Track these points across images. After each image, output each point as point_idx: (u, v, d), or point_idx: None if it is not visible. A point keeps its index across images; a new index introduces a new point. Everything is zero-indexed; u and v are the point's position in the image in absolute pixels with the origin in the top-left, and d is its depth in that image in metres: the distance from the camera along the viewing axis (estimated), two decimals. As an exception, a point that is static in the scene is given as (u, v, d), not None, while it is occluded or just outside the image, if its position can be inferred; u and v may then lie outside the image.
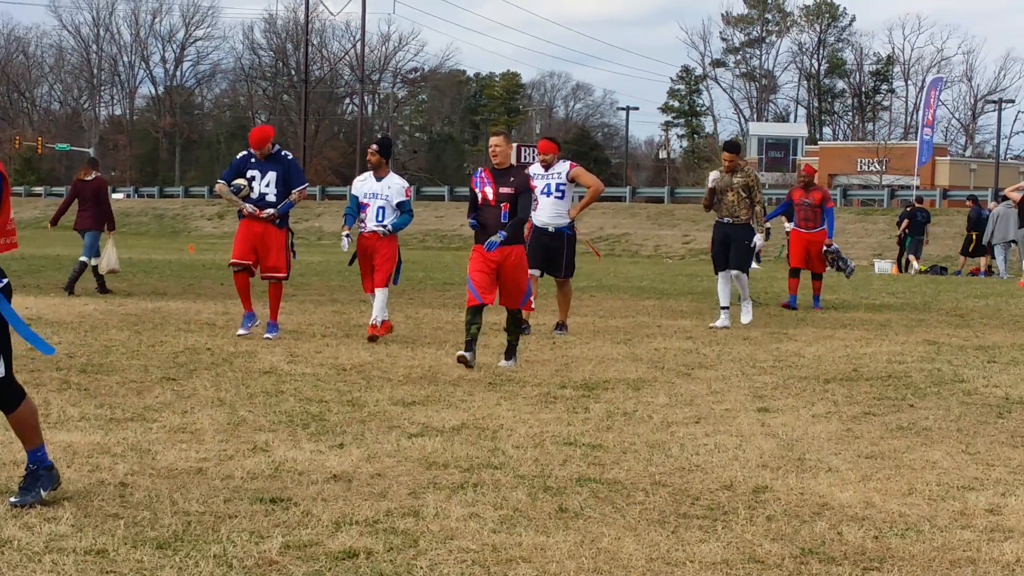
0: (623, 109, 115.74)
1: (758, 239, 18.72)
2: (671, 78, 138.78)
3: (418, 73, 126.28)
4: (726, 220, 18.62)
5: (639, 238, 55.87)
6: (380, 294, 15.83)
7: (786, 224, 25.08)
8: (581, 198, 18.01)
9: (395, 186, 15.94)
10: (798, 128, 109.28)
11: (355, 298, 22.69)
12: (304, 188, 15.81)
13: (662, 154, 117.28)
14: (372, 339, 15.51)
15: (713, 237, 19.04)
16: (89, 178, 22.94)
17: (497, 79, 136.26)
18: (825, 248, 22.65)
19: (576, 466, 8.51)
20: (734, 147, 19.10)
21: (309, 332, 16.45)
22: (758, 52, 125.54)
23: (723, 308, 18.55)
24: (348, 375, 12.68)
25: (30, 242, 49.67)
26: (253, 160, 15.70)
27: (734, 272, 18.58)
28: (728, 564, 6.34)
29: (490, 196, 13.43)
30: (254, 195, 15.60)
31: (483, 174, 13.59)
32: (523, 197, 13.46)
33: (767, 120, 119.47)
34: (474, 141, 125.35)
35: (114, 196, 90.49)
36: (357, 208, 16.06)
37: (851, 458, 8.95)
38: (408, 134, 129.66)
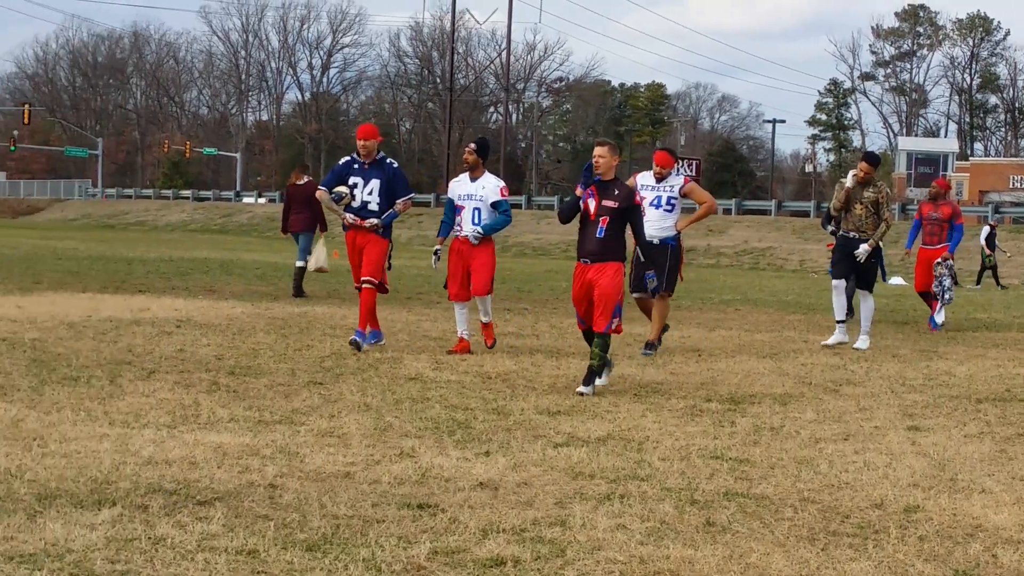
0: (769, 122, 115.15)
1: (862, 249, 17.44)
2: (819, 91, 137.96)
3: (563, 82, 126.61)
4: (851, 235, 17.65)
5: (784, 252, 55.42)
6: (482, 303, 15.42)
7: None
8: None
9: (490, 186, 15.26)
10: (948, 143, 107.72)
11: (500, 307, 22.75)
12: (410, 199, 15.17)
13: (808, 168, 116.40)
14: (491, 345, 15.44)
15: (837, 244, 18.10)
16: (301, 182, 24.11)
17: (642, 89, 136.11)
18: (939, 260, 21.12)
19: (723, 480, 8.43)
20: (874, 159, 18.18)
21: (454, 340, 16.48)
22: (908, 66, 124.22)
23: (839, 322, 17.80)
24: (493, 383, 12.70)
25: (178, 245, 50.50)
26: (356, 166, 15.07)
27: (861, 293, 17.72)
28: (880, 584, 6.24)
29: (591, 208, 12.59)
30: (356, 203, 14.96)
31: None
32: (632, 214, 12.71)
33: (916, 135, 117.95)
34: (618, 152, 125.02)
35: (259, 201, 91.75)
36: (453, 214, 15.38)
37: (1005, 480, 8.77)
38: (552, 143, 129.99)
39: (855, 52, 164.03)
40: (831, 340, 17.60)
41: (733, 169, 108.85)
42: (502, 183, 15.46)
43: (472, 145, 15.55)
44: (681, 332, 18.56)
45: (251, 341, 15.29)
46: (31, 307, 18.50)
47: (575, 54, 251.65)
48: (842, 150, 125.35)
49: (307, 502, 7.35)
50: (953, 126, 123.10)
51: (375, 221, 14.93)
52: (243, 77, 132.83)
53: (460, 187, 15.36)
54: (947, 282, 21.15)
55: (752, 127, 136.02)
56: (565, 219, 12.91)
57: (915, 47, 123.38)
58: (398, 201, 15.03)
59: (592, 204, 12.60)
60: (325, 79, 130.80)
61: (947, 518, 7.58)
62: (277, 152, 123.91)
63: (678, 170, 16.54)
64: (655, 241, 15.52)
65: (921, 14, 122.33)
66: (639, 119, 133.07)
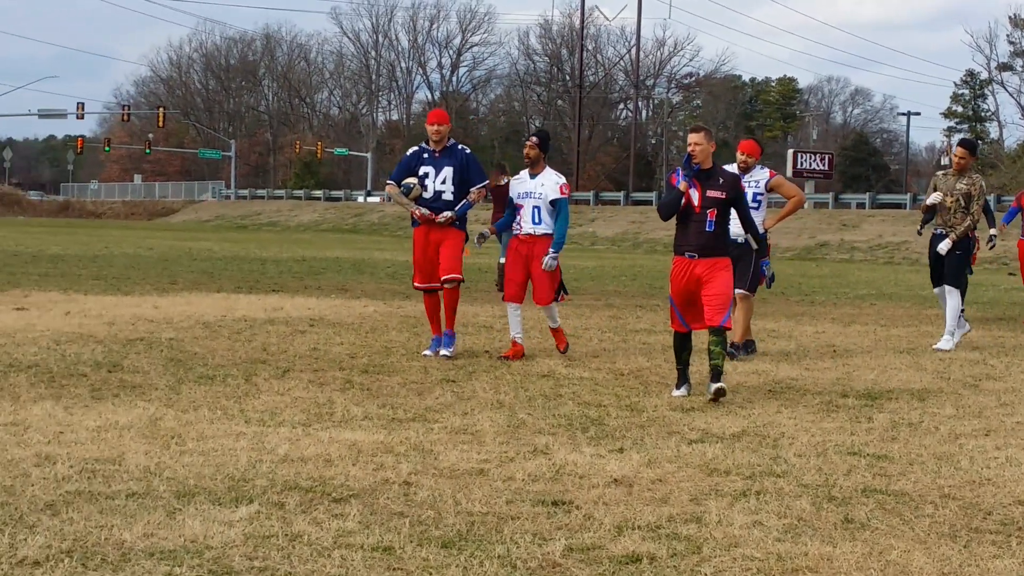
0: (903, 114, 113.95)
1: (944, 244, 16.16)
2: (955, 82, 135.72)
3: (693, 78, 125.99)
4: (939, 231, 16.33)
5: (919, 246, 54.56)
6: (547, 311, 14.46)
7: (992, 231, 20.84)
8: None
9: (549, 183, 14.21)
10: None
11: (631, 303, 22.68)
12: (484, 186, 14.18)
13: (944, 160, 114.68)
14: (564, 350, 14.46)
15: (929, 248, 16.61)
16: (501, 183, 24.36)
17: (773, 84, 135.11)
18: None
19: (861, 476, 8.31)
20: (971, 145, 16.49)
21: (586, 336, 16.47)
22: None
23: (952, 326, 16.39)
24: (626, 380, 12.65)
25: (310, 245, 50.98)
26: (426, 156, 14.18)
27: (947, 288, 16.28)
28: (1025, 582, 6.11)
29: (695, 200, 11.75)
30: (427, 194, 14.04)
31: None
32: (740, 202, 11.98)
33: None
34: (714, 137, 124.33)
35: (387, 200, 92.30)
36: (513, 212, 14.37)
37: None
38: (682, 140, 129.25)
39: (992, 42, 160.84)
40: (941, 343, 16.23)
41: (867, 163, 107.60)
42: (563, 179, 14.43)
43: (534, 138, 14.55)
44: (816, 327, 18.36)
45: (384, 339, 15.37)
46: (167, 307, 18.75)
47: (705, 49, 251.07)
48: (979, 142, 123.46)
49: (441, 499, 7.35)
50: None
51: (449, 214, 14.03)
52: (373, 77, 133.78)
53: (519, 185, 14.39)
54: None
55: (886, 120, 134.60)
56: (667, 216, 12.04)
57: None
58: (472, 189, 14.14)
59: (695, 196, 11.75)
60: (455, 78, 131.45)
61: (1093, 515, 7.41)
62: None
63: (761, 164, 15.53)
64: (739, 240, 14.17)
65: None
66: (770, 114, 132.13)
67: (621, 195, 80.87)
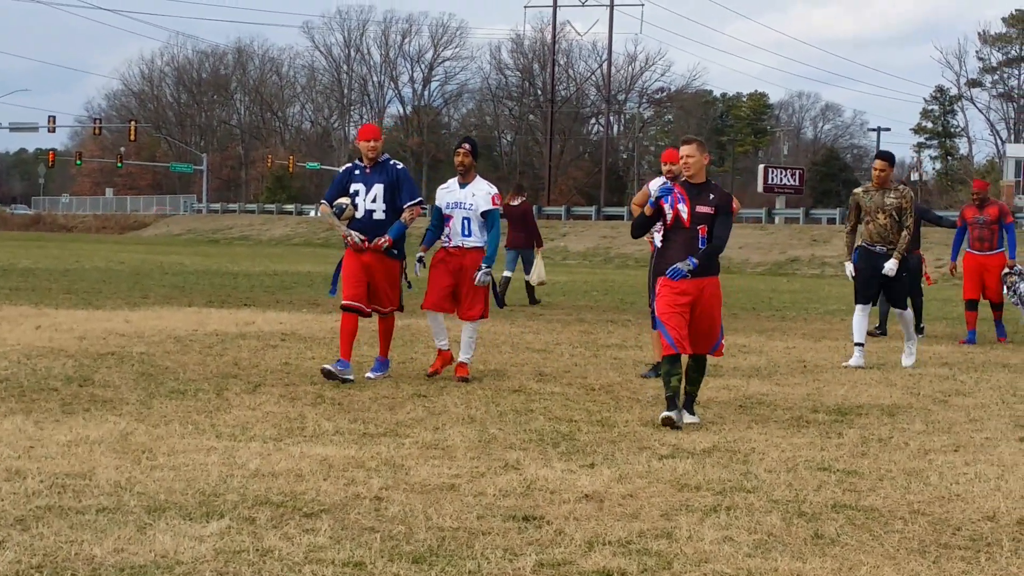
0: (874, 130, 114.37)
1: (891, 265, 15.52)
2: (924, 98, 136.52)
3: (664, 93, 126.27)
4: (877, 248, 15.68)
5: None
6: (468, 329, 13.63)
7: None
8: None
9: (480, 193, 13.51)
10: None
11: (603, 319, 22.71)
12: (417, 204, 13.30)
13: (914, 176, 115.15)
14: (463, 379, 13.29)
15: (858, 264, 15.96)
16: (515, 203, 25.17)
17: (744, 99, 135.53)
18: (1006, 270, 19.72)
19: (831, 492, 8.34)
20: (889, 157, 16.00)
21: (557, 351, 16.49)
22: (1016, 71, 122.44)
23: (857, 345, 15.83)
24: (597, 395, 12.67)
25: (281, 259, 50.89)
26: (358, 172, 13.38)
27: (896, 312, 16.09)
28: (993, 597, 6.14)
29: (684, 216, 11.06)
30: (359, 214, 13.25)
31: (675, 189, 11.20)
32: (724, 220, 11.12)
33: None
34: (720, 162, 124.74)
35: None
36: (440, 222, 13.70)
37: (1120, 491, 8.61)
38: (653, 155, 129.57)
39: (961, 59, 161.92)
40: (851, 362, 15.78)
41: (837, 178, 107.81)
42: (494, 190, 13.64)
43: (466, 145, 13.77)
44: (786, 343, 18.42)
45: (355, 354, 15.32)
46: (139, 321, 18.71)
47: (676, 64, 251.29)
48: (948, 158, 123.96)
49: (413, 514, 7.36)
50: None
51: (383, 240, 13.20)
52: (345, 91, 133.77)
53: (448, 195, 13.63)
54: (1022, 287, 19.96)
55: (856, 135, 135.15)
56: (639, 235, 11.75)
57: (1023, 53, 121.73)
58: (405, 208, 13.27)
59: (683, 210, 11.05)
60: (426, 92, 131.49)
61: (1061, 530, 7.44)
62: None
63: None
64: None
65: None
66: (741, 129, 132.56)
67: (592, 209, 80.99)
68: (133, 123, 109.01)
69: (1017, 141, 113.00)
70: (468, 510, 7.50)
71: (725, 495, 8.13)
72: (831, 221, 68.13)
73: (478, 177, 13.72)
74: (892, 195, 15.62)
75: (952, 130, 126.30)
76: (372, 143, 13.34)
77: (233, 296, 25.64)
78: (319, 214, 13.53)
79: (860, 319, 15.91)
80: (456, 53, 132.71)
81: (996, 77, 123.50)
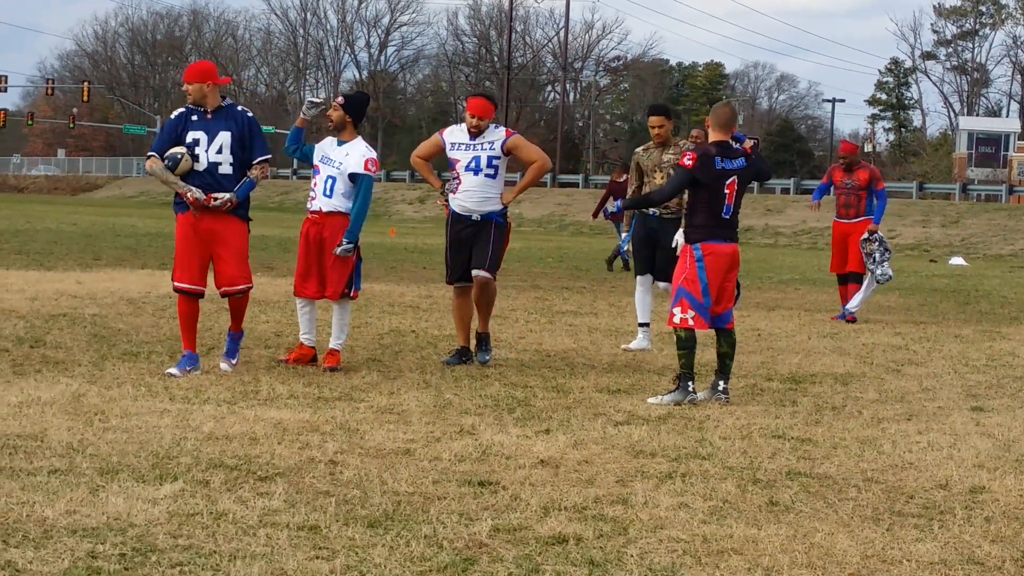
0: (828, 101, 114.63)
1: (679, 237, 12.64)
2: (879, 70, 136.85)
3: (621, 62, 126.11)
4: (652, 212, 13.92)
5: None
6: (339, 312, 11.84)
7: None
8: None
9: (355, 153, 11.67)
10: (1010, 123, 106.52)
11: (558, 285, 22.70)
12: (267, 160, 11.17)
13: (867, 147, 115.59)
14: (332, 369, 11.50)
15: (634, 233, 14.37)
16: (621, 180, 26.16)
17: (700, 69, 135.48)
18: (865, 236, 17.94)
19: (785, 459, 8.36)
20: (662, 110, 14.23)
21: (512, 318, 16.46)
22: (970, 45, 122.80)
23: (641, 325, 14.19)
24: (552, 361, 12.66)
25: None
26: (196, 118, 11.07)
27: (662, 285, 13.89)
28: (946, 564, 6.17)
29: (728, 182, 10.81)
30: (200, 166, 10.94)
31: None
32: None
33: (978, 114, 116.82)
34: (676, 131, 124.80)
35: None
36: (310, 155, 11.99)
37: (1072, 461, 8.66)
38: (609, 123, 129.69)
39: (916, 31, 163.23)
40: (633, 344, 14.09)
41: (792, 149, 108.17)
42: (372, 154, 11.83)
43: (340, 99, 11.99)
44: (741, 312, 18.43)
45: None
46: (91, 283, 18.58)
47: (633, 33, 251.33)
48: (902, 130, 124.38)
49: (368, 479, 7.34)
50: (1015, 106, 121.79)
51: (226, 197, 10.91)
52: (301, 55, 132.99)
53: (326, 146, 11.90)
54: (879, 256, 17.99)
55: (811, 107, 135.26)
56: (672, 196, 11.85)
57: (977, 26, 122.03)
58: (254, 163, 11.10)
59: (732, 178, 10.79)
60: (383, 58, 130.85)
61: (1013, 499, 7.49)
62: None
63: (496, 124, 12.52)
64: (475, 217, 12.28)
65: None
66: (697, 98, 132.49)
67: (548, 177, 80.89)
68: (86, 84, 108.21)
69: (970, 114, 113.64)
70: (423, 475, 7.48)
71: (680, 462, 8.14)
72: (785, 191, 68.25)
73: (359, 138, 11.96)
74: (670, 151, 13.84)
75: (906, 102, 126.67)
76: (195, 85, 11.14)
77: (186, 259, 25.45)
78: (148, 170, 11.19)
79: (641, 295, 14.25)
80: (413, 19, 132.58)
81: (950, 50, 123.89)
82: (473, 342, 12.46)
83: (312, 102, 12.04)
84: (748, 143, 11.22)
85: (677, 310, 10.78)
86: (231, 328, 11.35)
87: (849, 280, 18.25)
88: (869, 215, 18.16)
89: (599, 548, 6.17)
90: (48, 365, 10.96)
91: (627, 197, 14.15)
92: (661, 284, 13.90)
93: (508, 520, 6.56)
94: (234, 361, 11.28)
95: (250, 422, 8.80)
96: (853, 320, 17.64)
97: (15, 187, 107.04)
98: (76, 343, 12.35)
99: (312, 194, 11.91)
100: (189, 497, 6.73)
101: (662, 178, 13.63)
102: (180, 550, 5.87)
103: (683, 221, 12.34)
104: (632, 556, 6.07)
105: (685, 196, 12.01)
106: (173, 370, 10.84)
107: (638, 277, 14.33)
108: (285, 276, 21.55)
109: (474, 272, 12.25)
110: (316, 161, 11.89)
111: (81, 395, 9.55)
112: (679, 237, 12.81)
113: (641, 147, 14.31)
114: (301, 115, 11.96)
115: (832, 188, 18.85)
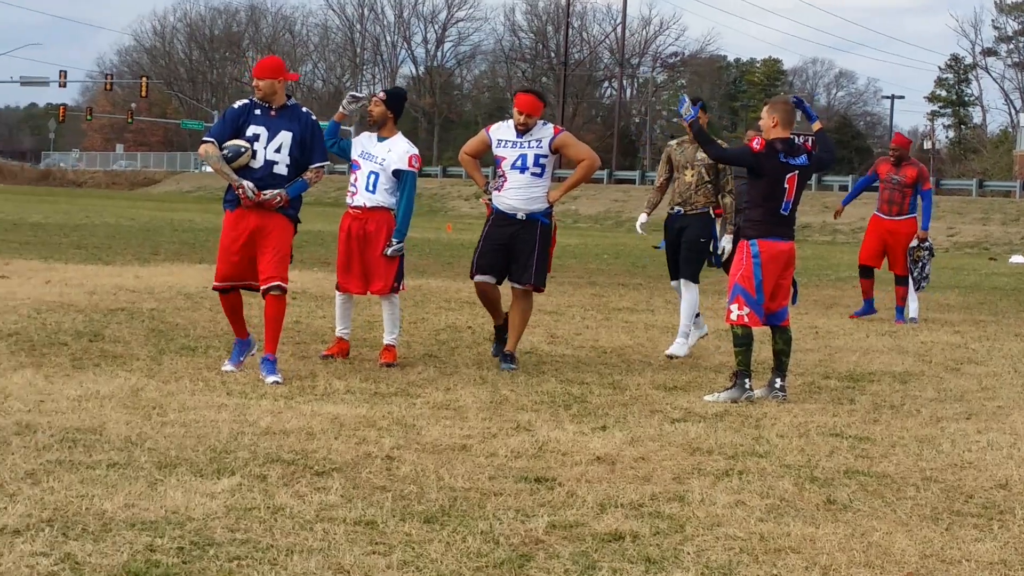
0: (887, 98, 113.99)
1: (726, 242, 12.94)
2: (939, 67, 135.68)
3: (678, 58, 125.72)
4: (676, 210, 13.22)
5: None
6: (388, 307, 11.86)
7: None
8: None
9: (398, 150, 11.69)
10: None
11: (614, 282, 22.66)
12: (324, 167, 10.93)
13: (927, 144, 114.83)
14: (388, 365, 11.47)
15: (665, 232, 13.55)
16: None
17: (758, 65, 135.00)
18: (915, 243, 17.43)
19: (843, 458, 8.32)
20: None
21: (569, 314, 16.45)
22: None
23: (691, 330, 13.53)
24: (608, 357, 12.65)
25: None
26: (259, 112, 10.78)
27: (684, 283, 13.31)
28: (1006, 565, 6.12)
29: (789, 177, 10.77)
30: (256, 163, 10.66)
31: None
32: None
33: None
34: (732, 127, 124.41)
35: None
36: (348, 153, 12.05)
37: None
38: (666, 119, 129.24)
39: (977, 27, 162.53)
40: (672, 349, 13.21)
41: (850, 146, 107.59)
42: (414, 150, 11.83)
43: (381, 94, 11.99)
44: (798, 309, 18.35)
45: (367, 313, 15.31)
46: (149, 278, 18.69)
47: (691, 29, 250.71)
48: (962, 127, 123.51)
49: (424, 474, 7.34)
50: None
51: (277, 193, 10.62)
52: (358, 51, 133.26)
53: (365, 141, 11.96)
54: (928, 268, 17.64)
55: (869, 103, 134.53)
56: (727, 160, 11.66)
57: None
58: (311, 167, 10.85)
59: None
60: (440, 53, 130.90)
61: (1075, 500, 7.42)
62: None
63: (544, 120, 12.07)
64: (519, 216, 11.85)
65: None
66: (754, 95, 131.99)
67: (604, 173, 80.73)
68: (144, 79, 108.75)
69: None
70: (480, 471, 7.48)
71: (737, 459, 8.11)
72: (843, 188, 67.97)
73: (400, 134, 11.98)
74: (695, 147, 12.94)
75: (966, 99, 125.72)
76: (266, 81, 10.83)
77: (244, 254, 25.57)
78: (202, 154, 10.92)
79: (685, 298, 13.36)
80: (470, 14, 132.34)
81: (1011, 46, 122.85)
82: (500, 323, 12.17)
83: (354, 96, 12.00)
84: (817, 124, 11.19)
85: (734, 307, 10.73)
86: (265, 348, 10.60)
87: (897, 283, 17.75)
88: (911, 214, 17.55)
89: (655, 545, 6.15)
90: (107, 359, 11.03)
91: (651, 196, 13.71)
92: (672, 283, 13.58)
93: (564, 517, 6.55)
94: (235, 364, 10.93)
95: (307, 417, 8.82)
96: (913, 321, 17.36)
97: (74, 182, 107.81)
98: (134, 337, 12.42)
99: (352, 189, 11.89)
100: (246, 491, 6.75)
101: (692, 175, 13.06)
102: (237, 544, 5.89)
103: (728, 225, 12.81)
104: (689, 554, 6.05)
105: (717, 195, 12.83)
106: (228, 366, 10.81)
107: (672, 283, 13.69)
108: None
109: (515, 286, 11.96)
110: (355, 156, 11.85)
111: (139, 389, 9.60)
112: (726, 243, 12.91)
113: (675, 140, 13.67)
114: (341, 110, 11.96)
115: (876, 182, 18.05)
